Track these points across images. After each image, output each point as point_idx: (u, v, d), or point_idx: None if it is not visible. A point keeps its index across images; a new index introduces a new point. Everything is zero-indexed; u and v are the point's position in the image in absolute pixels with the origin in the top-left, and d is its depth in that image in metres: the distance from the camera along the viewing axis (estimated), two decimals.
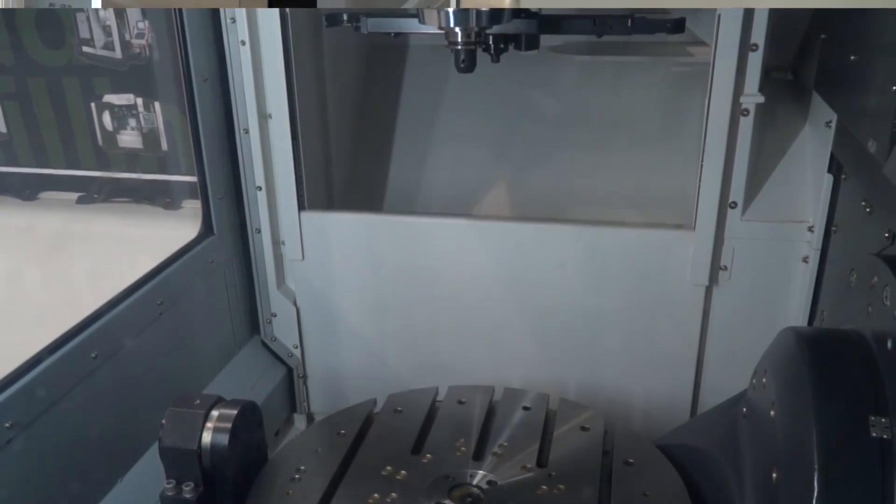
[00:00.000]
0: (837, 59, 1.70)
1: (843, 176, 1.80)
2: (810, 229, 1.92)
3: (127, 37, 3.31)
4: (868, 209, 1.58)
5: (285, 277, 2.38)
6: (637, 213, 2.36)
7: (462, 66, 1.82)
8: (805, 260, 1.95)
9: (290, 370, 2.43)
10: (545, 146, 2.47)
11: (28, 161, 3.68)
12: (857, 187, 1.68)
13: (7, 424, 1.52)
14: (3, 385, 1.56)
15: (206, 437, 1.51)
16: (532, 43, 1.93)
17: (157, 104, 3.44)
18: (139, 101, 3.44)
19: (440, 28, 1.77)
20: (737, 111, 1.87)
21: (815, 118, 1.95)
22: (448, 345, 2.26)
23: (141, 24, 3.28)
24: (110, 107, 3.48)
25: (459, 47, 1.80)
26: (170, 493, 1.51)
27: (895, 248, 1.40)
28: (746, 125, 1.88)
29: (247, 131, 2.19)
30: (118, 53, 3.35)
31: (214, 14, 2.09)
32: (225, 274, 2.29)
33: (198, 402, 1.56)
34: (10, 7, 3.26)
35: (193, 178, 2.23)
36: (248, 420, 1.59)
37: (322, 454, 1.70)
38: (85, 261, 3.21)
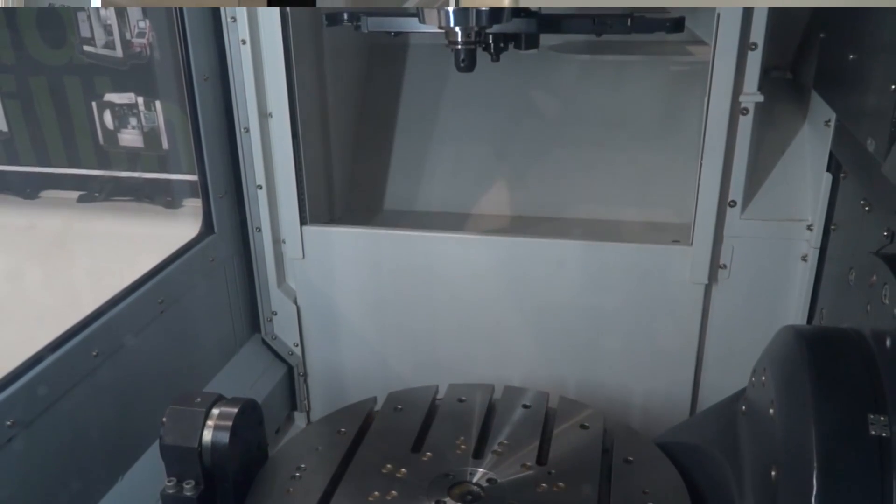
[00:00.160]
0: (836, 58, 1.70)
1: (842, 175, 1.80)
2: (809, 228, 1.92)
3: (128, 36, 3.31)
4: (867, 208, 1.58)
5: (286, 276, 2.38)
6: (636, 212, 2.36)
7: (462, 65, 1.82)
8: (804, 258, 1.96)
9: (290, 368, 2.44)
10: (545, 145, 2.47)
11: (29, 160, 3.68)
12: (856, 186, 1.68)
13: (8, 423, 1.53)
14: (4, 383, 1.56)
15: (207, 436, 1.52)
16: (532, 42, 1.93)
17: (157, 103, 3.44)
18: (140, 99, 3.44)
19: (440, 28, 1.77)
20: (736, 110, 1.87)
21: (814, 117, 1.95)
22: (448, 343, 2.27)
23: (142, 24, 3.28)
24: (111, 105, 3.48)
25: (459, 47, 1.80)
26: (170, 491, 1.51)
27: (894, 246, 1.40)
28: (746, 124, 1.88)
29: (247, 130, 2.19)
30: (119, 52, 3.35)
31: (215, 13, 2.09)
32: (225, 272, 2.29)
33: (198, 400, 1.56)
34: (11, 6, 3.27)
35: (194, 177, 2.23)
36: (249, 418, 1.59)
37: (322, 452, 1.70)
38: (86, 260, 3.22)
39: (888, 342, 1.16)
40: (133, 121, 3.50)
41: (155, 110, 3.46)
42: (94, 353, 1.76)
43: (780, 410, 1.24)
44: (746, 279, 2.03)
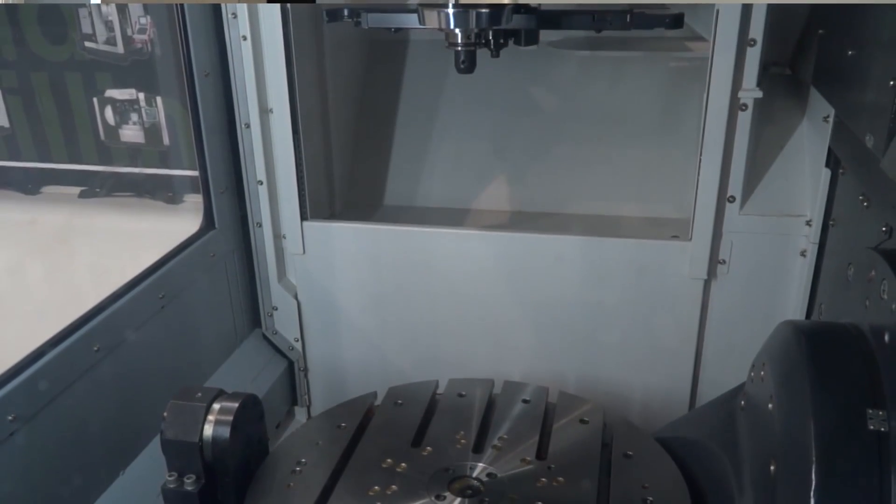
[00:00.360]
0: (835, 54, 1.70)
1: (840, 170, 1.80)
2: (808, 223, 1.93)
3: (129, 32, 3.31)
4: (865, 203, 1.58)
5: (286, 271, 2.39)
6: (636, 207, 2.36)
7: (462, 66, 1.83)
8: (803, 254, 1.96)
9: (290, 363, 2.44)
10: (544, 140, 2.47)
11: (31, 155, 3.69)
12: (855, 181, 1.68)
13: (9, 417, 1.53)
14: (5, 378, 1.56)
15: (208, 430, 1.52)
16: (531, 38, 1.93)
17: (158, 99, 3.45)
18: (141, 95, 3.45)
19: (440, 29, 1.78)
20: (735, 106, 1.88)
21: (812, 113, 1.96)
22: (448, 338, 2.27)
23: (143, 20, 3.29)
24: (112, 101, 3.49)
25: (459, 48, 1.80)
26: (171, 486, 1.52)
27: (892, 241, 1.41)
28: (745, 120, 1.88)
29: (248, 126, 2.20)
30: (120, 48, 3.36)
31: (216, 9, 2.10)
32: (226, 267, 2.30)
33: (199, 394, 1.56)
34: (12, 2, 3.27)
35: (195, 173, 2.24)
36: (250, 413, 1.60)
37: (323, 447, 1.71)
38: (87, 255, 3.23)
39: (887, 337, 1.16)
40: (134, 116, 3.51)
41: (156, 106, 3.47)
42: (96, 348, 1.77)
43: (778, 405, 1.24)
44: (745, 274, 2.03)
